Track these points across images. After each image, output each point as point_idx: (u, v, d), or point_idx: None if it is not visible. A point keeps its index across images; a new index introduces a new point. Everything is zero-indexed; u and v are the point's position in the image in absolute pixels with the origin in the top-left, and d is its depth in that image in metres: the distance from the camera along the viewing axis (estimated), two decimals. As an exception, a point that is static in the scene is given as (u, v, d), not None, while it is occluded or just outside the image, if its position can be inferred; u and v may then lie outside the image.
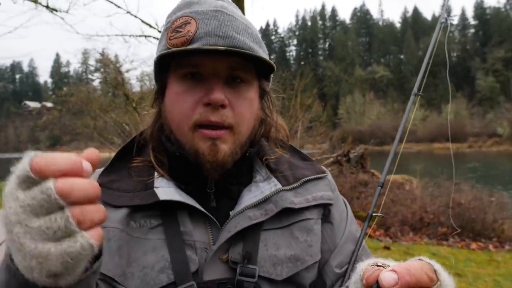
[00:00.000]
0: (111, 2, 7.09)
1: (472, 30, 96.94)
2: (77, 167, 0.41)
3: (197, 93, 0.67)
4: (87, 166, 0.42)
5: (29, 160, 0.40)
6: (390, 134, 54.86)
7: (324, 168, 0.88)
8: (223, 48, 0.63)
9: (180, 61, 0.69)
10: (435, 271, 0.44)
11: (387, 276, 0.40)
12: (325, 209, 0.80)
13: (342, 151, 10.68)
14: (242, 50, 0.64)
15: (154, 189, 0.70)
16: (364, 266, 0.50)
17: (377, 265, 0.49)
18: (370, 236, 5.95)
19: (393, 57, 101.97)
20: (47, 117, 14.07)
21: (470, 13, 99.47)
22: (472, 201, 6.58)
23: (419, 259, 0.45)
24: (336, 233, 0.80)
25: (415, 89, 0.84)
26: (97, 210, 0.42)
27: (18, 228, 0.40)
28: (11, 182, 0.42)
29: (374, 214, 0.79)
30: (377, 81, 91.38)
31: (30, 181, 0.40)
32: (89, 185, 0.41)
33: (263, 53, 0.72)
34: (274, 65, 0.70)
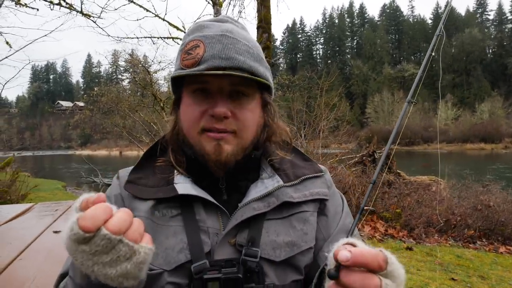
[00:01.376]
0: (141, 6, 7.35)
1: (509, 25, 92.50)
2: (109, 210, 0.54)
3: (204, 105, 0.80)
4: (110, 205, 0.55)
5: (75, 225, 0.52)
6: (420, 134, 53.39)
7: (323, 167, 0.98)
8: (220, 72, 0.74)
9: (191, 79, 0.81)
10: (387, 262, 0.51)
11: (342, 254, 0.49)
12: (321, 203, 0.90)
13: (367, 151, 10.57)
14: (236, 74, 0.76)
15: (174, 184, 0.82)
16: (337, 245, 0.59)
17: (348, 244, 0.57)
18: (393, 237, 5.89)
19: (423, 55, 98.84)
20: (79, 116, 14.66)
21: (507, 7, 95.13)
22: (502, 204, 6.37)
23: (380, 250, 0.53)
24: (331, 224, 0.89)
25: (409, 97, 0.90)
26: (138, 225, 0.57)
27: (96, 267, 0.53)
28: (70, 243, 0.54)
29: (366, 208, 0.86)
30: (406, 79, 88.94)
31: (87, 237, 0.52)
32: (125, 214, 0.55)
33: (263, 69, 0.83)
34: (270, 83, 0.82)
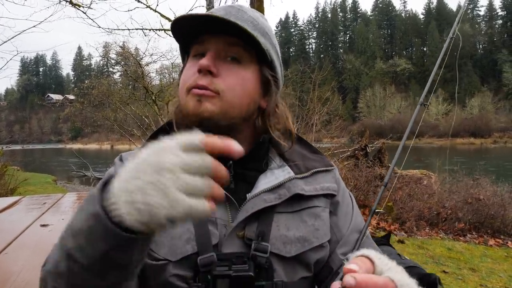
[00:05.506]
0: (131, -4, 7.23)
1: (500, 21, 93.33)
2: (228, 149, 0.48)
3: (197, 65, 0.75)
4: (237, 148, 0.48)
5: (199, 136, 0.48)
6: (411, 129, 53.50)
7: (331, 162, 0.94)
8: (220, 15, 0.71)
9: (194, 44, 0.79)
10: None
11: (347, 280, 0.45)
12: (332, 201, 0.86)
13: (359, 145, 10.60)
14: (230, 19, 0.71)
15: None
16: (351, 256, 0.54)
17: (361, 256, 0.53)
18: (385, 230, 5.92)
19: (415, 50, 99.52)
20: (69, 109, 14.47)
21: (498, 3, 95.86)
22: (492, 197, 6.44)
23: (391, 280, 0.48)
24: (343, 224, 0.85)
25: (421, 99, 0.88)
26: (221, 194, 0.49)
27: (169, 175, 0.46)
28: (173, 144, 0.48)
29: (377, 211, 0.84)
30: (398, 74, 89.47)
31: (194, 149, 0.47)
32: (225, 173, 0.49)
33: (264, 40, 0.77)
34: (267, 51, 0.75)
